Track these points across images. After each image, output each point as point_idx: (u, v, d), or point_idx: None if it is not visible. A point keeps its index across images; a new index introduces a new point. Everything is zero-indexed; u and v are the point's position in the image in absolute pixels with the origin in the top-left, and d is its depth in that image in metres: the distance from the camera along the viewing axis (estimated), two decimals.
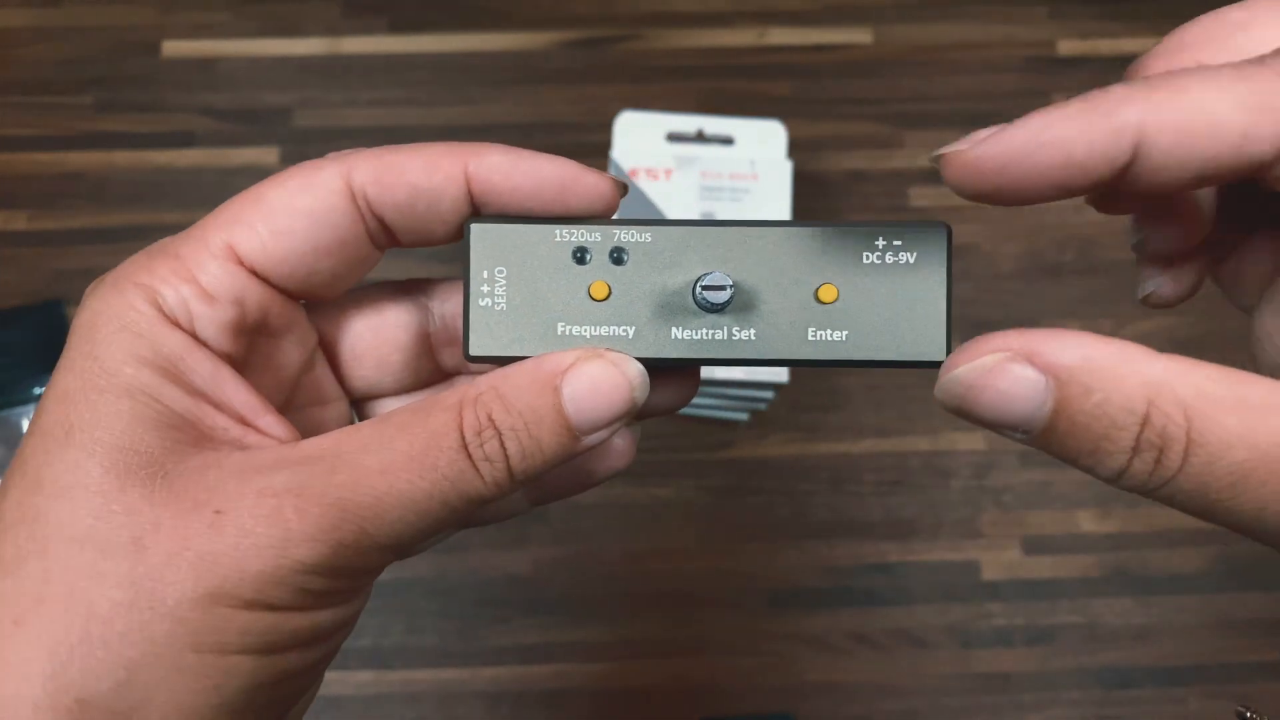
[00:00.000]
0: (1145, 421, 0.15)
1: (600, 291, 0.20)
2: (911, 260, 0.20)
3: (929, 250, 0.20)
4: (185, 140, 0.66)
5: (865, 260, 0.20)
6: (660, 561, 0.61)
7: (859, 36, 0.69)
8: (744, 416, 0.63)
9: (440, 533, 0.19)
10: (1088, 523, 0.62)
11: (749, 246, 0.20)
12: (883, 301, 0.20)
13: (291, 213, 0.19)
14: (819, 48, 0.69)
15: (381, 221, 0.20)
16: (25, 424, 0.61)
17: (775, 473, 0.63)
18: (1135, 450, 0.15)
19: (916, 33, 0.69)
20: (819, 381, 0.64)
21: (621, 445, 0.22)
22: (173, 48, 0.67)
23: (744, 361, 0.20)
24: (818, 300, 0.20)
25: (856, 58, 0.69)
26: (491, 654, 0.60)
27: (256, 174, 0.65)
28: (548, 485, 0.23)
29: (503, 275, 0.20)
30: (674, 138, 0.60)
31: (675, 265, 0.20)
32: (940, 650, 0.61)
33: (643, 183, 0.57)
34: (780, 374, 0.56)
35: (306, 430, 0.21)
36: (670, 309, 0.20)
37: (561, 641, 0.60)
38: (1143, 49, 0.75)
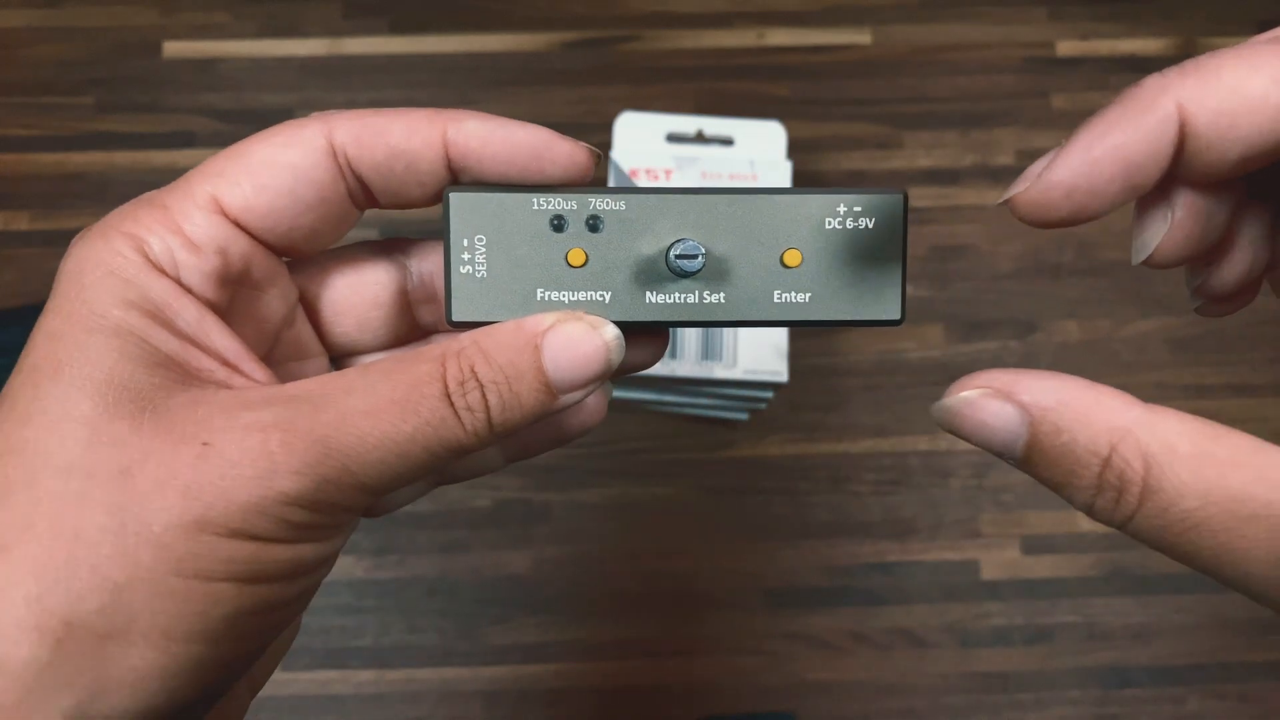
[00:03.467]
0: (1106, 464, 0.16)
1: (577, 258, 0.21)
2: (870, 225, 0.21)
3: (887, 216, 0.21)
4: (185, 140, 0.66)
5: (827, 226, 0.21)
6: (660, 561, 0.62)
7: (859, 37, 0.69)
8: (744, 416, 0.63)
9: (418, 480, 0.19)
10: (1087, 522, 0.63)
11: (718, 213, 0.21)
12: (843, 264, 0.21)
13: (275, 167, 0.19)
14: (819, 48, 0.69)
15: (361, 181, 0.20)
16: None
17: (775, 473, 0.63)
18: (1098, 489, 0.17)
19: (916, 33, 0.69)
20: (819, 381, 0.64)
21: (594, 403, 0.23)
22: (173, 48, 0.68)
23: (714, 323, 0.21)
24: (783, 264, 0.21)
25: (856, 58, 0.69)
26: (492, 653, 0.60)
27: None
28: (523, 442, 0.24)
29: (482, 243, 0.21)
30: (674, 138, 0.60)
31: (648, 232, 0.21)
32: (940, 649, 0.61)
33: (643, 183, 0.57)
34: (780, 374, 0.56)
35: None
36: (644, 274, 0.21)
37: (561, 641, 0.60)
38: (1141, 49, 0.75)
